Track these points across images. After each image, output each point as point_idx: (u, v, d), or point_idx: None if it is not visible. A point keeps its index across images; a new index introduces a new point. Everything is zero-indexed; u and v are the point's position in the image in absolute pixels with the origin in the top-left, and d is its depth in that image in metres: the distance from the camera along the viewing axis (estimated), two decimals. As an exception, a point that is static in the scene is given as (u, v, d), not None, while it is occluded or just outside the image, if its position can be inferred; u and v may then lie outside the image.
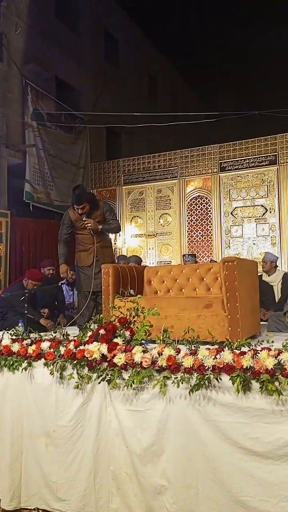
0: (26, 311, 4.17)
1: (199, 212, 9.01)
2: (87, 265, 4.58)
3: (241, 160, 8.62)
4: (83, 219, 4.50)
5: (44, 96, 9.30)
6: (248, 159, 8.55)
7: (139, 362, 2.95)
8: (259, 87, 16.59)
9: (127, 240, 9.70)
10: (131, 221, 9.74)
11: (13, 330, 3.73)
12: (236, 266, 3.52)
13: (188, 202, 9.10)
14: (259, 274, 4.75)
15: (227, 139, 9.24)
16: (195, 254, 8.08)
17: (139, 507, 2.96)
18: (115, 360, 3.03)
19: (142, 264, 6.77)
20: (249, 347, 2.85)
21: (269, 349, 2.72)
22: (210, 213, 8.88)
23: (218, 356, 2.79)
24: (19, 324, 4.10)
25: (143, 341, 3.14)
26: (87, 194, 4.76)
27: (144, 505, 2.95)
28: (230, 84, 18.02)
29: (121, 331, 3.18)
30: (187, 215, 9.10)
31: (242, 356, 2.72)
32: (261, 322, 4.36)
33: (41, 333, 3.65)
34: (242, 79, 18.02)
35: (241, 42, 17.08)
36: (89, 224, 4.46)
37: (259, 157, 8.46)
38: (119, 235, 9.44)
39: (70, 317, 5.77)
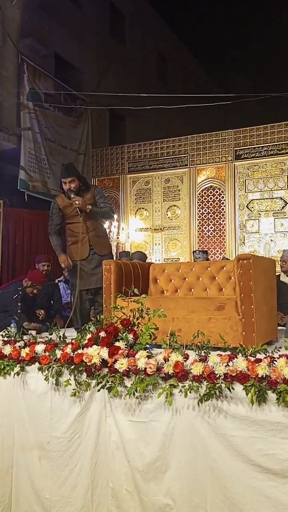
0: (19, 310, 4.16)
1: (211, 204, 8.98)
2: (83, 257, 4.51)
3: (258, 147, 8.57)
4: (71, 196, 4.44)
5: (42, 74, 9.29)
6: (267, 146, 8.50)
7: (143, 369, 2.94)
8: (278, 68, 16.49)
9: (131, 234, 9.68)
10: (135, 213, 9.72)
11: (4, 331, 3.73)
12: (252, 264, 3.49)
13: (199, 193, 9.07)
14: (276, 274, 4.72)
15: (243, 124, 9.19)
16: (207, 251, 8.04)
17: (141, 527, 2.95)
18: (117, 365, 3.02)
19: (147, 261, 6.76)
20: (265, 354, 2.82)
21: (288, 357, 2.70)
22: (224, 206, 8.84)
23: (230, 364, 2.77)
24: (12, 325, 4.10)
25: (147, 346, 3.13)
26: (77, 170, 4.82)
27: (146, 525, 2.94)
28: (247, 65, 17.96)
29: (124, 334, 3.16)
30: (198, 208, 9.07)
31: (257, 364, 2.69)
32: (278, 327, 4.33)
33: (36, 335, 3.65)
34: (260, 60, 17.94)
35: (259, 19, 17.01)
36: (77, 202, 4.39)
37: (279, 144, 8.40)
38: (122, 229, 9.43)
39: (68, 318, 5.77)
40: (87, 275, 4.48)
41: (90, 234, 4.51)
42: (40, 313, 5.14)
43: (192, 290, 4.44)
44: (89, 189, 4.65)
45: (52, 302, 5.80)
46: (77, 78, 10.82)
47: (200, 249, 8.23)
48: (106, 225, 5.71)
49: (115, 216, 4.73)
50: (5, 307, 4.83)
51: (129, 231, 9.67)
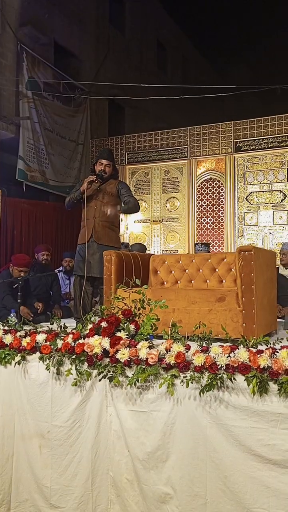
0: (19, 300, 4.17)
1: (210, 196, 8.97)
2: (83, 242, 4.53)
3: (258, 139, 8.55)
4: (98, 170, 4.60)
5: (41, 63, 9.22)
6: (267, 138, 8.49)
7: (145, 359, 2.96)
8: (280, 59, 16.42)
9: (130, 226, 9.67)
10: (134, 204, 9.68)
11: (5, 321, 3.74)
12: (253, 256, 3.50)
13: (199, 185, 9.06)
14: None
15: (243, 116, 9.15)
16: (209, 244, 8.03)
17: (141, 516, 2.99)
18: (118, 355, 3.04)
19: (146, 253, 6.76)
20: (267, 345, 2.85)
21: (289, 348, 2.72)
22: (223, 198, 8.84)
23: (232, 355, 2.80)
24: (11, 314, 4.11)
25: (148, 336, 3.15)
26: (114, 158, 4.94)
27: (146, 514, 2.98)
28: (248, 55, 17.86)
29: (125, 325, 3.18)
30: (197, 200, 9.06)
31: (259, 355, 2.72)
32: (277, 319, 4.36)
33: (36, 324, 3.66)
34: (261, 50, 17.84)
35: (260, 9, 16.89)
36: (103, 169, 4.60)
37: (279, 136, 8.39)
38: (121, 220, 9.41)
39: (66, 308, 5.79)
40: (84, 261, 4.47)
41: (97, 221, 4.52)
42: (38, 306, 5.11)
43: (193, 281, 4.45)
44: (117, 178, 4.86)
45: (51, 292, 5.80)
46: (76, 67, 10.75)
47: (202, 242, 8.23)
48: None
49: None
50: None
51: (127, 223, 9.66)
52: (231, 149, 8.77)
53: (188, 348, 2.95)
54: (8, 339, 3.47)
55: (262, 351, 2.76)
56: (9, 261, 5.77)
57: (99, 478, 3.14)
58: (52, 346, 3.30)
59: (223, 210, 8.83)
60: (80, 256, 4.52)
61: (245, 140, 8.65)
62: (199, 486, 2.82)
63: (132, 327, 3.17)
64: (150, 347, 3.02)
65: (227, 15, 17.01)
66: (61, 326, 3.51)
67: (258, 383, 2.65)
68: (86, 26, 11.07)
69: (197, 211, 9.04)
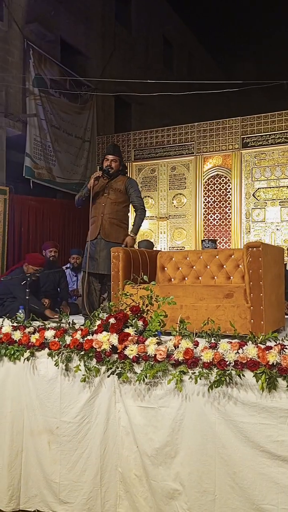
0: (27, 297, 4.18)
1: (217, 193, 8.95)
2: (91, 238, 4.55)
3: (266, 135, 8.51)
4: (105, 165, 4.60)
5: (47, 60, 9.22)
6: (274, 134, 8.44)
7: (153, 355, 2.96)
8: (286, 54, 16.33)
9: (136, 222, 9.66)
10: (141, 201, 9.67)
11: (14, 318, 3.75)
12: (261, 252, 3.49)
13: (205, 182, 9.03)
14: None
15: (250, 111, 9.11)
16: (216, 240, 8.01)
17: (149, 512, 2.99)
18: (126, 352, 3.04)
19: (153, 250, 6.75)
20: (276, 342, 2.84)
21: (299, 344, 2.72)
22: (230, 195, 8.81)
23: (240, 351, 2.79)
24: (20, 311, 4.12)
25: (156, 333, 3.14)
26: (121, 153, 4.96)
27: (154, 510, 2.98)
28: (254, 51, 17.78)
29: (133, 321, 3.18)
30: (204, 196, 9.03)
31: (268, 351, 2.71)
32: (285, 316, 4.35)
33: (45, 321, 3.67)
34: (267, 46, 17.75)
35: (266, 5, 16.79)
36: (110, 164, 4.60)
37: (287, 132, 8.34)
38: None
39: (74, 305, 5.81)
40: (91, 258, 4.49)
41: (104, 218, 4.52)
42: (45, 303, 5.13)
43: (200, 278, 4.45)
44: (125, 174, 4.82)
45: (58, 289, 5.81)
46: (83, 64, 10.74)
47: (209, 238, 8.21)
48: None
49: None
50: (11, 294, 4.84)
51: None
52: (238, 145, 8.72)
53: (196, 344, 2.95)
54: (17, 335, 3.48)
55: (271, 348, 2.75)
56: (23, 259, 5.81)
57: (107, 474, 3.15)
58: (60, 343, 3.31)
59: (230, 206, 8.79)
60: (88, 253, 4.52)
61: (252, 136, 8.60)
62: (208, 482, 2.82)
63: (140, 323, 3.17)
64: (158, 344, 3.02)
65: (233, 12, 16.94)
66: (69, 322, 3.51)
67: (267, 380, 2.65)
68: (92, 23, 11.05)
69: (203, 208, 9.01)
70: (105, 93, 10.42)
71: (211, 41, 16.74)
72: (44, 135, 9.02)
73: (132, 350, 3.03)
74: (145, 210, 4.78)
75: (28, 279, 4.33)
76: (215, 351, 2.83)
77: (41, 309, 4.68)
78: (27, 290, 4.26)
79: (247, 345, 2.81)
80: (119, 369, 3.05)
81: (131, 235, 4.59)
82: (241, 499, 2.73)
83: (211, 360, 2.80)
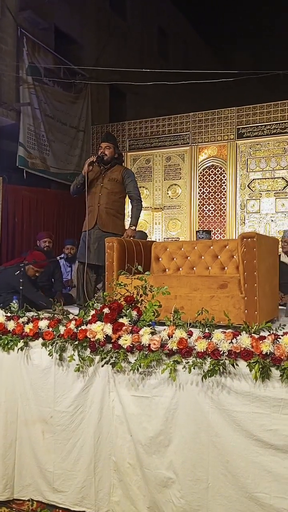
0: (21, 287, 4.17)
1: (212, 183, 8.94)
2: (87, 229, 4.54)
3: (261, 126, 8.49)
4: (99, 153, 4.61)
5: (41, 48, 9.13)
6: (270, 125, 8.43)
7: (147, 345, 2.98)
8: (282, 45, 16.26)
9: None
10: (135, 192, 9.65)
11: (8, 308, 3.75)
12: (256, 243, 3.50)
13: (200, 172, 9.02)
14: (277, 254, 4.73)
15: (246, 102, 9.07)
16: (210, 231, 8.02)
17: (143, 500, 3.02)
18: (121, 341, 3.05)
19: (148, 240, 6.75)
20: (269, 332, 2.86)
21: (292, 334, 2.73)
22: (225, 185, 8.81)
23: (234, 341, 2.81)
24: (13, 301, 4.11)
25: (150, 322, 3.16)
26: (116, 140, 4.99)
27: (148, 498, 3.01)
28: (250, 41, 17.66)
29: (127, 311, 3.19)
30: (199, 187, 9.02)
31: (261, 341, 2.73)
32: (279, 307, 4.37)
33: (39, 311, 3.67)
34: (264, 36, 17.65)
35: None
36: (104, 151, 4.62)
37: (282, 123, 8.32)
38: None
39: (68, 295, 5.81)
40: (88, 248, 4.49)
41: (101, 208, 4.52)
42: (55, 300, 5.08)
43: (194, 268, 4.45)
44: (121, 162, 4.85)
45: (53, 280, 5.81)
46: (77, 52, 10.64)
47: (203, 229, 8.22)
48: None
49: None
50: (13, 288, 4.77)
51: (128, 210, 9.62)
52: (234, 136, 8.71)
53: (190, 334, 2.96)
54: (10, 325, 3.49)
55: (264, 337, 2.77)
56: (12, 249, 5.81)
57: (101, 463, 3.17)
58: (54, 332, 3.32)
59: (225, 197, 8.80)
60: (84, 243, 4.52)
61: (248, 127, 8.59)
62: (201, 471, 2.85)
63: (134, 313, 3.18)
64: (152, 333, 3.04)
65: (229, 1, 16.80)
66: (63, 312, 3.51)
67: (261, 369, 2.67)
68: (87, 11, 10.95)
69: (198, 198, 9.01)
70: (100, 81, 10.34)
71: (207, 30, 16.63)
72: (38, 124, 8.95)
73: (126, 340, 3.04)
74: (141, 201, 4.77)
75: (22, 269, 4.30)
76: (209, 340, 2.85)
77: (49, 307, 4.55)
78: (21, 281, 4.22)
79: (241, 335, 2.83)
80: (113, 358, 3.07)
81: (132, 227, 4.59)
82: (234, 488, 2.76)
83: (205, 349, 2.82)
